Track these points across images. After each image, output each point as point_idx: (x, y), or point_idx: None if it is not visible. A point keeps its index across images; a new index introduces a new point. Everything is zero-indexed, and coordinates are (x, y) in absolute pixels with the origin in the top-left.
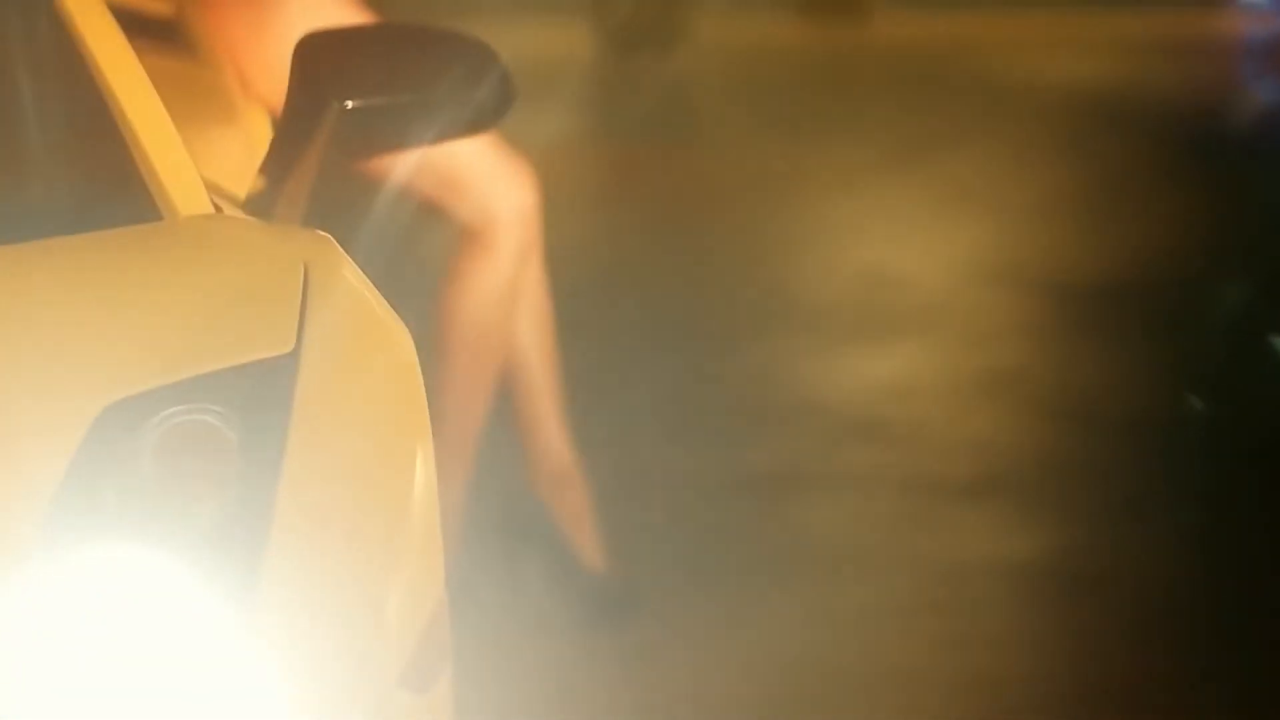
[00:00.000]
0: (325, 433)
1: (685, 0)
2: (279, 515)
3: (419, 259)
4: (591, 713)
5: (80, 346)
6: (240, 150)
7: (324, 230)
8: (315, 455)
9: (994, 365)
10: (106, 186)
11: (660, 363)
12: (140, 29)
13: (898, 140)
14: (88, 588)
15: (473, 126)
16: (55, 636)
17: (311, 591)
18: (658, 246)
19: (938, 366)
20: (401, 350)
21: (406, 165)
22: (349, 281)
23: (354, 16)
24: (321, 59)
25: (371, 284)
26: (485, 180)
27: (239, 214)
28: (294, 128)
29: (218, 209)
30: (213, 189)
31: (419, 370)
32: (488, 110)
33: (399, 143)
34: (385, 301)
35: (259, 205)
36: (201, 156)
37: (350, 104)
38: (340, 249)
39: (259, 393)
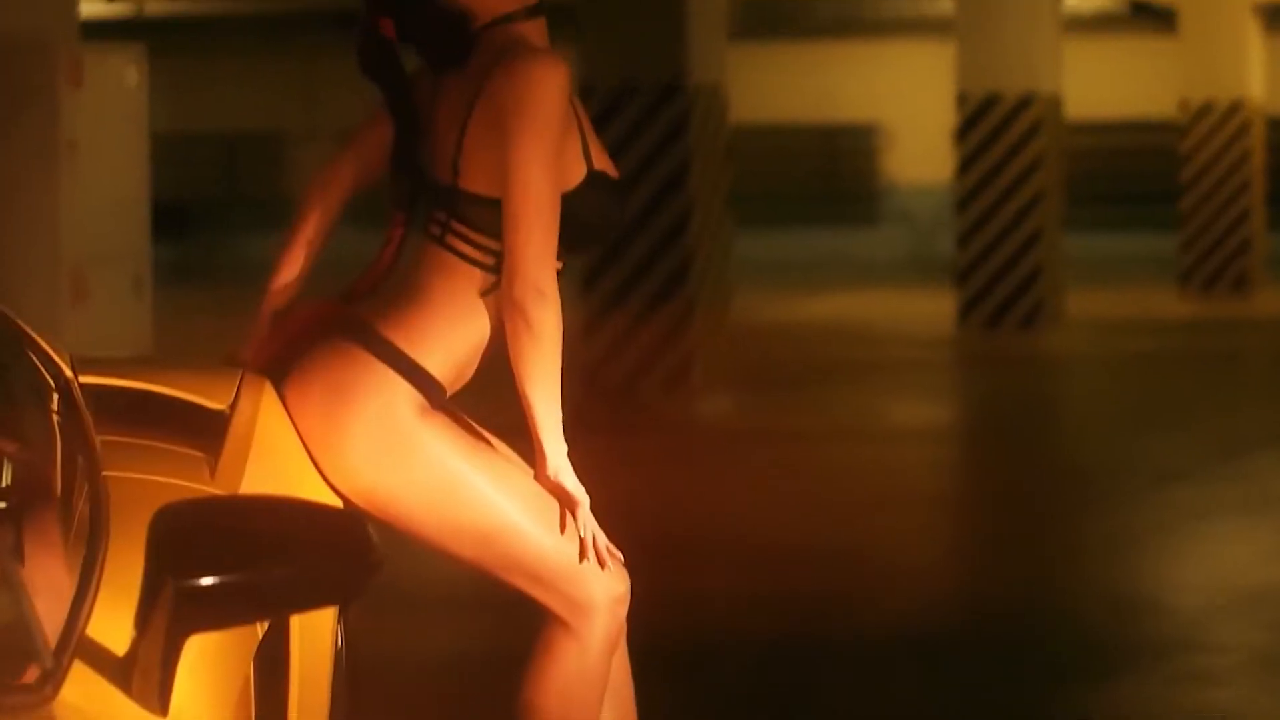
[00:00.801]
0: None
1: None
2: None
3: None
4: None
5: None
6: None
7: None
8: None
9: None
10: None
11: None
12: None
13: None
14: None
15: (333, 597)
16: None
17: None
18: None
19: None
20: None
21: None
22: None
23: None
24: (172, 533)
25: None
26: (577, 572)
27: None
28: (142, 603)
29: None
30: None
31: None
32: (349, 582)
33: (248, 617)
34: None
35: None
36: None
37: (194, 582)
38: None
39: None
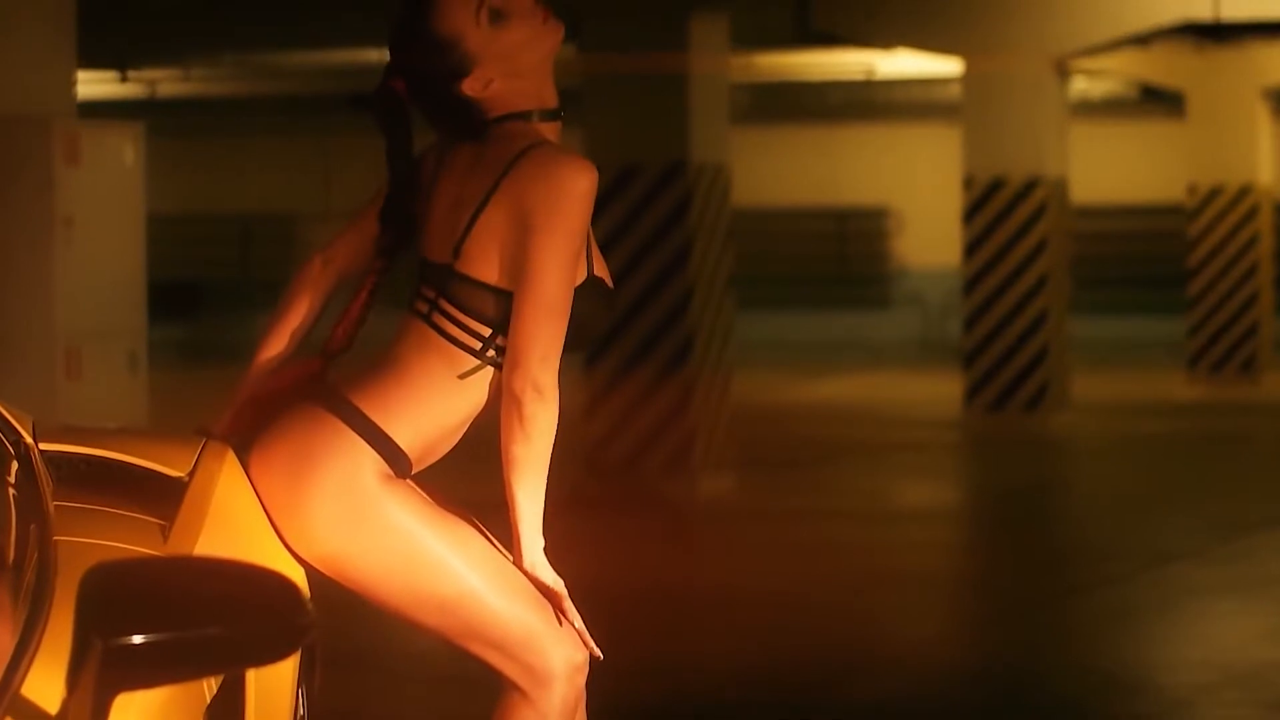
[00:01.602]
0: None
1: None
2: None
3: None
4: None
5: None
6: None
7: None
8: None
9: None
10: None
11: None
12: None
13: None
14: None
15: (262, 658)
16: None
17: None
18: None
19: None
20: None
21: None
22: None
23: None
24: (101, 593)
25: None
26: (536, 640)
27: None
28: (72, 662)
29: None
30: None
31: None
32: (279, 643)
33: (176, 676)
34: None
35: None
36: None
37: (122, 641)
38: None
39: None
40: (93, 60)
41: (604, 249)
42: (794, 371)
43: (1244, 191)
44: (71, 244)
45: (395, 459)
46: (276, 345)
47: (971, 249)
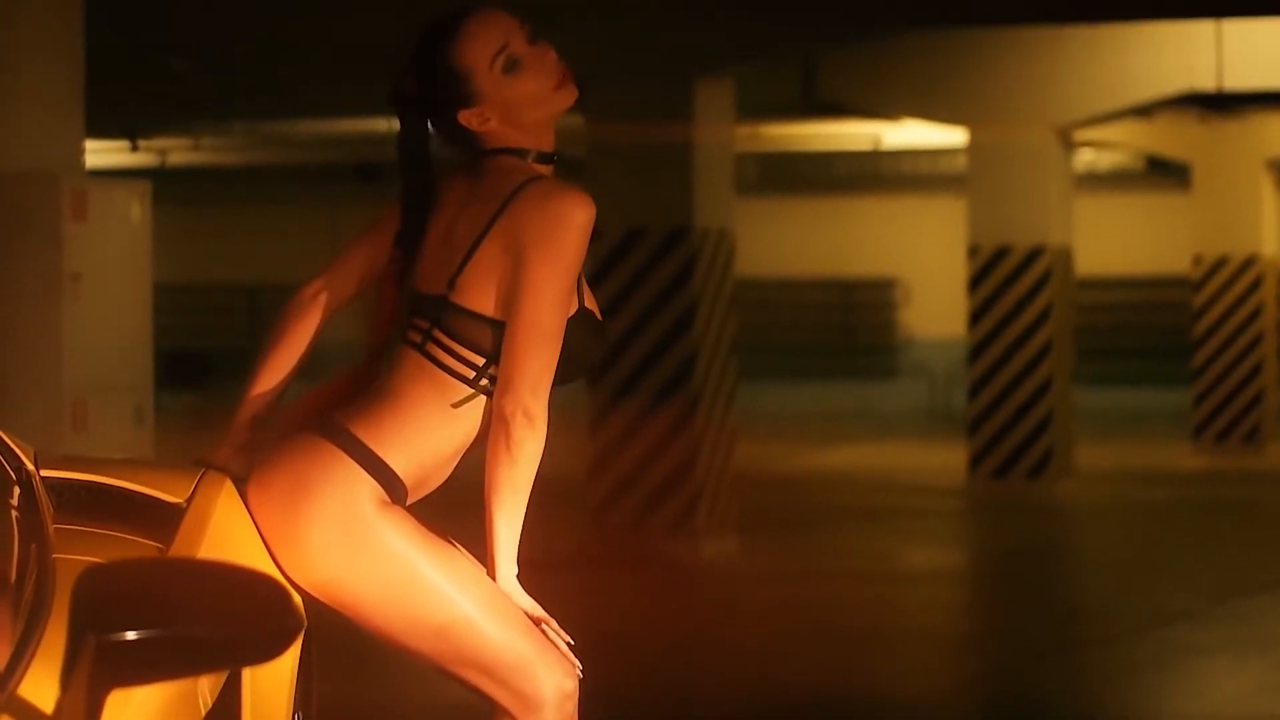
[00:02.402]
0: None
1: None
2: None
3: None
4: None
5: None
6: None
7: None
8: None
9: None
10: None
11: None
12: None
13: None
14: None
15: (251, 657)
16: None
17: None
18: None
19: None
20: None
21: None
22: None
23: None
24: (95, 591)
25: None
26: (527, 667)
27: None
28: (66, 659)
29: None
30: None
31: None
32: (268, 643)
33: (167, 673)
34: None
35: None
36: None
37: (115, 637)
38: None
39: None
40: (103, 129)
41: (609, 312)
42: (799, 440)
43: (1248, 262)
44: (79, 299)
45: (391, 485)
46: (268, 377)
47: (976, 316)
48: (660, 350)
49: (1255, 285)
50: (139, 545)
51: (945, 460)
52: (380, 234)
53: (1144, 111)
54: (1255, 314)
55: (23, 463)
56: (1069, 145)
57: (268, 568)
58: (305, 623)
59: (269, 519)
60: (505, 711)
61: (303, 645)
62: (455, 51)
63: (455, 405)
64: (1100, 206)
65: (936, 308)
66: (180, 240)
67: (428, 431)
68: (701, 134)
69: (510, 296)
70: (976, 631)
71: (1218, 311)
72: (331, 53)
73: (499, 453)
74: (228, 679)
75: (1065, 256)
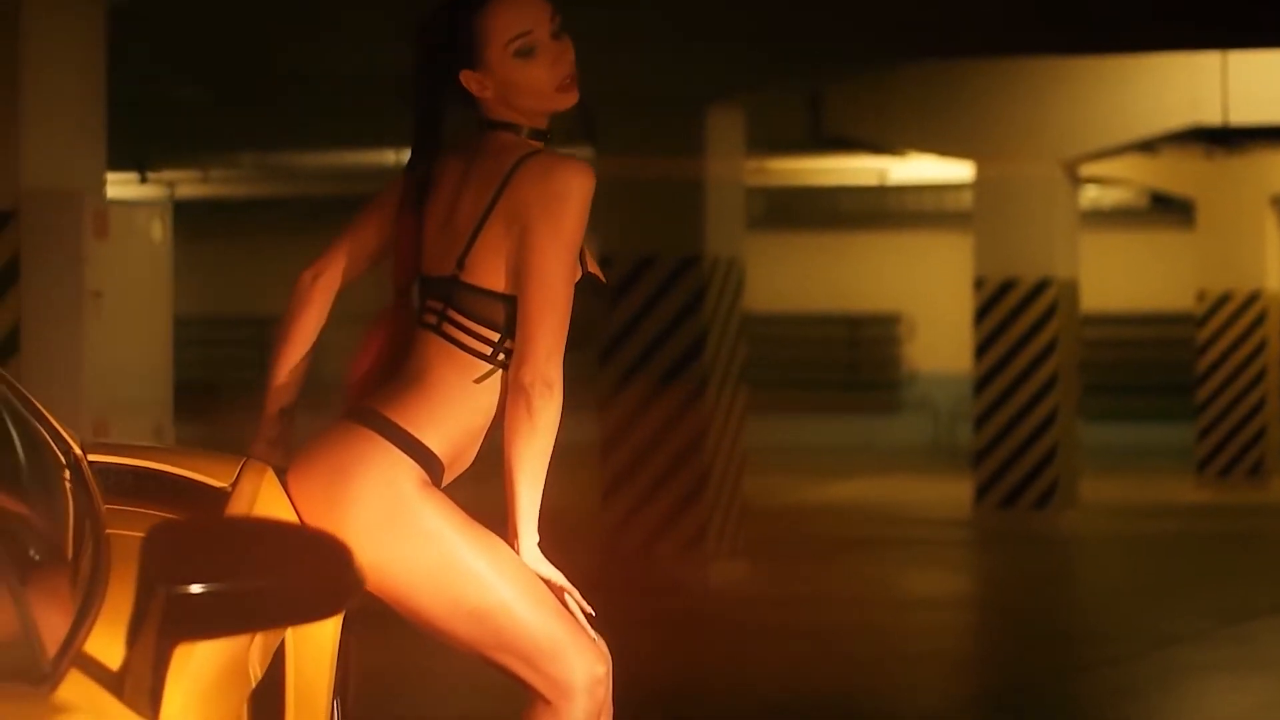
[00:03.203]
0: None
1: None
2: None
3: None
4: None
5: None
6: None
7: None
8: None
9: None
10: None
11: None
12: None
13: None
14: None
15: (315, 612)
16: None
17: None
18: None
19: None
20: None
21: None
22: None
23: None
24: (164, 545)
25: None
26: (561, 652)
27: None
28: (135, 612)
29: None
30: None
31: None
32: (330, 598)
33: (234, 627)
34: None
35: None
36: None
37: (183, 589)
38: None
39: None
40: (113, 161)
41: (622, 337)
42: (806, 474)
43: (1252, 298)
44: (101, 316)
45: (429, 464)
46: (286, 367)
47: (982, 349)
48: (672, 374)
49: (1259, 321)
50: None
51: (950, 493)
52: (382, 211)
53: (1149, 147)
54: (1259, 349)
55: (71, 446)
56: (1075, 179)
57: None
58: (365, 581)
59: (311, 507)
60: (540, 696)
61: (341, 633)
62: (483, 14)
63: (477, 381)
64: (1105, 243)
65: (941, 343)
66: (189, 273)
67: (456, 408)
68: (713, 164)
69: (519, 270)
70: (981, 654)
71: (1221, 347)
72: (341, 85)
73: (519, 422)
74: (273, 660)
75: (1072, 289)
